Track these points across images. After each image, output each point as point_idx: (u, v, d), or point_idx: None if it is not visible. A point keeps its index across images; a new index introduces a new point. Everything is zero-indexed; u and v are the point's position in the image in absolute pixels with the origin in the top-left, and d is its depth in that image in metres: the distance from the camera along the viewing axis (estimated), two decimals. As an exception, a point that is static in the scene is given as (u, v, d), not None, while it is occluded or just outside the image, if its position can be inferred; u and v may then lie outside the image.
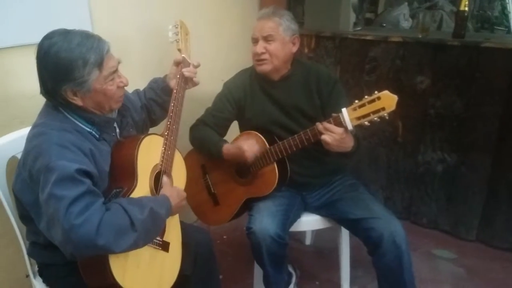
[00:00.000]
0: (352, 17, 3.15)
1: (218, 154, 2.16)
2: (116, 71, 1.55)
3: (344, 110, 1.83)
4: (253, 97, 2.25)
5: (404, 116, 2.97)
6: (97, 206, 1.35)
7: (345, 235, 2.35)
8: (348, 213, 2.11)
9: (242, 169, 2.21)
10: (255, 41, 2.13)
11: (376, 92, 1.78)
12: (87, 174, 1.40)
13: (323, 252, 2.95)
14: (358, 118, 1.81)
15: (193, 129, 2.33)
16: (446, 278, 2.69)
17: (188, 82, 1.99)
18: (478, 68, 2.69)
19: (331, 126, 1.86)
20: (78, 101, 1.48)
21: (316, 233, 3.02)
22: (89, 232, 1.29)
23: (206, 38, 2.91)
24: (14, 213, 1.67)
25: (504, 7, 4.85)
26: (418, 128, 2.99)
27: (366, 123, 1.81)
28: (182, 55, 1.99)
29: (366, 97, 1.79)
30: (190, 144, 2.37)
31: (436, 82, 2.86)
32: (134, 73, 2.26)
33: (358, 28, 3.24)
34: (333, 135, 1.86)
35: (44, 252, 1.59)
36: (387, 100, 1.75)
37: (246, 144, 2.11)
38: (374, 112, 1.77)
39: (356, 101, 1.81)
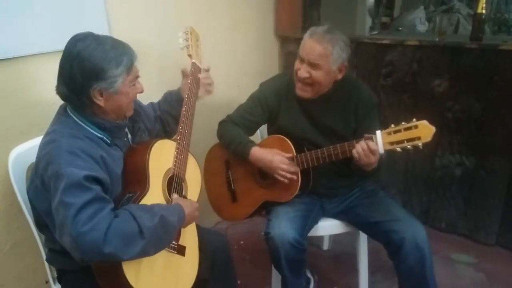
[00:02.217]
0: (368, 21, 3.14)
1: (244, 155, 2.16)
2: (138, 76, 1.61)
3: (378, 132, 1.81)
4: (288, 108, 2.21)
5: (421, 119, 2.94)
6: (105, 213, 1.36)
7: (363, 239, 2.34)
8: (368, 217, 2.10)
9: (265, 171, 2.20)
10: (301, 59, 2.03)
11: (414, 119, 1.75)
12: (96, 180, 1.42)
13: (341, 257, 2.94)
14: (391, 143, 1.79)
15: (222, 125, 2.31)
16: (466, 283, 2.67)
17: (202, 87, 1.99)
18: (496, 70, 2.67)
19: (374, 146, 1.83)
20: (101, 102, 1.51)
21: (334, 238, 3.02)
22: (96, 239, 1.30)
23: (222, 44, 2.93)
24: (34, 220, 1.69)
25: (521, 10, 4.81)
26: (436, 132, 2.95)
27: (398, 149, 1.79)
28: (193, 61, 2.00)
29: (403, 123, 1.77)
30: (205, 150, 2.40)
31: (454, 85, 2.84)
32: (151, 79, 2.29)
33: (374, 32, 3.23)
34: (370, 157, 1.85)
35: (62, 259, 1.60)
36: (424, 130, 1.74)
37: (276, 153, 2.10)
38: (409, 140, 1.75)
39: (392, 125, 1.79)
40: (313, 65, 1.99)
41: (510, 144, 2.74)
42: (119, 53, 1.50)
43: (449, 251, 2.97)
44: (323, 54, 1.96)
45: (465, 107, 2.83)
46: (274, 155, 2.08)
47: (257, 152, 2.14)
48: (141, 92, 1.65)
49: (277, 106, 2.22)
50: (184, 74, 2.01)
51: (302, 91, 2.08)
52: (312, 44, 1.97)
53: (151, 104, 2.06)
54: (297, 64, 2.06)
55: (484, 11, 2.70)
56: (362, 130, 2.04)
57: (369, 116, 2.14)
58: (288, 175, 2.06)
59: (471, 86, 2.78)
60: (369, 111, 2.14)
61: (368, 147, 1.83)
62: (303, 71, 2.01)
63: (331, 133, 2.15)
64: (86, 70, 1.45)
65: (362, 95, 2.15)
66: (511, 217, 2.87)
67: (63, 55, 1.48)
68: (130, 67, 1.53)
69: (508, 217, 2.88)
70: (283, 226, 2.01)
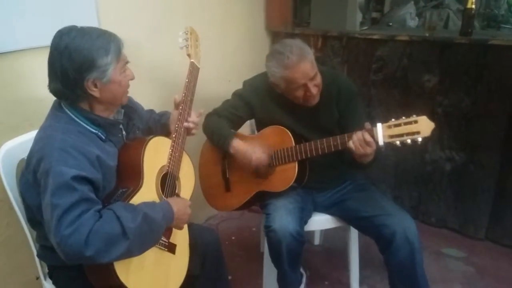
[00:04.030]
0: (359, 16, 3.14)
1: (225, 148, 2.19)
2: (127, 62, 1.61)
3: (379, 125, 1.82)
4: (270, 106, 2.22)
5: (411, 115, 2.95)
6: (89, 215, 1.36)
7: (354, 234, 2.35)
8: (359, 211, 2.11)
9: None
10: (303, 86, 2.00)
11: (414, 115, 1.78)
12: (86, 180, 1.41)
13: (332, 252, 2.95)
14: (391, 136, 1.80)
15: (207, 118, 2.32)
16: (456, 277, 2.69)
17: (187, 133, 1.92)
18: (486, 66, 2.68)
19: (369, 138, 1.84)
20: (96, 93, 1.51)
21: (325, 233, 3.03)
22: (77, 243, 1.30)
23: (212, 40, 2.92)
24: (24, 215, 1.68)
25: (510, 5, 4.83)
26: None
27: (397, 143, 1.80)
28: (191, 60, 2.00)
29: (403, 117, 1.79)
30: (196, 147, 2.39)
31: (444, 81, 2.85)
32: (142, 76, 2.29)
33: (365, 28, 3.24)
34: (366, 148, 1.85)
35: (54, 255, 1.57)
36: (424, 125, 1.76)
37: (259, 148, 2.12)
38: (408, 134, 1.77)
39: (393, 119, 1.81)
40: (313, 78, 2.01)
41: (499, 139, 2.76)
42: (106, 41, 1.49)
43: (439, 245, 2.99)
44: (313, 63, 2.01)
45: (454, 102, 2.85)
46: (254, 154, 2.12)
47: (236, 147, 2.17)
48: (132, 78, 1.64)
49: (257, 103, 2.25)
50: (176, 104, 1.95)
51: (316, 99, 2.09)
52: (301, 67, 1.96)
53: (148, 111, 2.05)
54: (300, 92, 2.03)
55: (473, 7, 2.71)
56: (346, 120, 2.10)
57: (351, 106, 2.16)
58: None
59: (460, 81, 2.80)
60: (350, 101, 2.15)
61: (364, 139, 1.84)
62: (313, 88, 2.01)
63: (317, 127, 2.17)
64: (76, 62, 1.44)
65: (342, 85, 2.17)
66: (500, 212, 2.90)
67: (50, 52, 1.47)
68: (119, 55, 1.53)
69: (497, 211, 2.91)
70: (284, 218, 2.03)
